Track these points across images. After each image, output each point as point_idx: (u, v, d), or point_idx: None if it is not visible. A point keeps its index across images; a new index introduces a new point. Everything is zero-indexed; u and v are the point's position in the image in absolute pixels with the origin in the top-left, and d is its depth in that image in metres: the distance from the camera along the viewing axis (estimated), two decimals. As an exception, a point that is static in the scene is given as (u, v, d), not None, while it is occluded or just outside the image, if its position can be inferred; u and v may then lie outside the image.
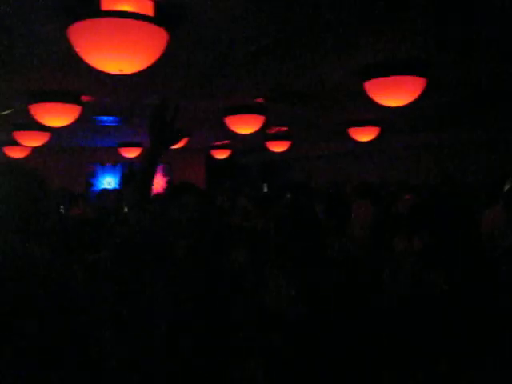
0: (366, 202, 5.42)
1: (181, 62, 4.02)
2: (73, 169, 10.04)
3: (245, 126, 6.25)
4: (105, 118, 7.22)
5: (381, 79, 4.28)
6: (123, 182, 10.35)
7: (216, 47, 3.64)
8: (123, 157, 9.57)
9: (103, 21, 2.67)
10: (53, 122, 4.93)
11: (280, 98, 5.73)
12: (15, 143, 7.49)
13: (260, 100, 5.90)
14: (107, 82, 4.42)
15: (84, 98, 5.08)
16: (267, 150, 9.44)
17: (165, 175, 11.08)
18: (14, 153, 7.94)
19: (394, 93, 4.47)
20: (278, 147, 9.14)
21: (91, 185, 10.84)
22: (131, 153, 9.32)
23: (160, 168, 11.11)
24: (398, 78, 4.27)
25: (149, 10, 2.86)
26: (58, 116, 4.89)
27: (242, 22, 3.17)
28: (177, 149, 8.71)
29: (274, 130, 8.61)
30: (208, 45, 3.56)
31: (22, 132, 6.36)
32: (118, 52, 2.78)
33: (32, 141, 6.54)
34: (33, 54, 3.56)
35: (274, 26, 3.21)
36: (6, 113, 5.54)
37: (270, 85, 5.11)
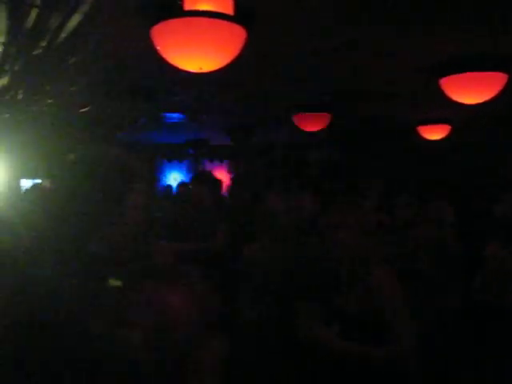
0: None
1: (253, 60, 4.07)
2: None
3: (312, 124, 6.25)
4: (172, 114, 7.42)
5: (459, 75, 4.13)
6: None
7: (285, 45, 3.66)
8: (190, 153, 9.83)
9: (186, 20, 2.75)
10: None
11: (346, 97, 5.68)
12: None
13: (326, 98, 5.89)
14: (179, 79, 4.55)
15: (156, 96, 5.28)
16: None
17: (229, 171, 11.24)
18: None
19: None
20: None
21: (158, 180, 11.19)
22: (199, 149, 9.60)
23: (224, 164, 11.31)
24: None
25: (229, 9, 2.91)
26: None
27: (314, 19, 3.17)
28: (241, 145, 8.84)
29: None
30: (278, 42, 3.59)
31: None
32: (200, 51, 2.85)
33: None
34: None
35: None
36: (85, 110, 5.81)
37: (337, 84, 5.08)
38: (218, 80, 4.54)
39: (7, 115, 5.91)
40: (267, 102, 5.92)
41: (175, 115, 7.49)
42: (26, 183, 10.23)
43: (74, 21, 3.02)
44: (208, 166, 10.87)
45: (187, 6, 2.75)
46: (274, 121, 7.41)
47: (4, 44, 3.37)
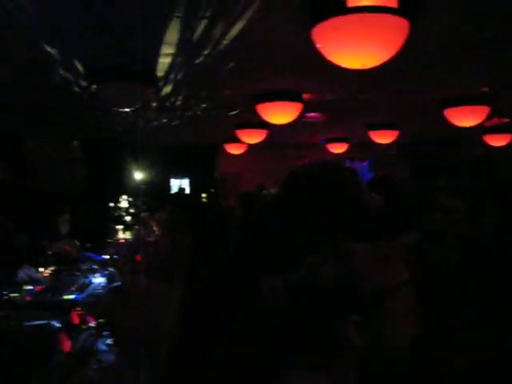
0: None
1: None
2: (281, 165, 10.58)
3: (467, 118, 5.78)
4: (313, 114, 7.41)
5: None
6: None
7: (446, 36, 3.41)
8: (330, 152, 9.77)
9: (350, 17, 2.69)
10: (277, 120, 5.27)
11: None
12: (234, 141, 8.27)
13: (484, 89, 5.40)
14: (329, 79, 4.51)
15: (304, 97, 5.30)
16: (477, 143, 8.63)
17: (369, 171, 10.94)
18: (233, 149, 8.76)
19: None
20: (497, 141, 8.26)
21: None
22: (338, 148, 9.48)
23: (364, 164, 11.04)
24: None
25: (392, 2, 2.79)
26: (281, 114, 5.23)
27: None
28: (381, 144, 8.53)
29: (494, 121, 7.81)
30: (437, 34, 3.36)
31: (243, 130, 6.96)
32: (363, 47, 2.77)
33: (251, 138, 7.10)
34: (273, 58, 3.79)
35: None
36: (234, 113, 6.08)
37: (499, 72, 4.62)
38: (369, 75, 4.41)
39: (165, 120, 6.41)
40: (417, 95, 5.61)
41: (313, 114, 7.49)
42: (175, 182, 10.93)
43: (236, 28, 3.13)
44: (348, 165, 10.67)
45: (350, 3, 2.69)
46: (422, 116, 7.01)
47: (172, 55, 3.64)
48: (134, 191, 6.53)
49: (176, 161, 9.75)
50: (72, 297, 1.84)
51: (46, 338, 1.48)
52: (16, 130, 5.44)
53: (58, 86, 4.37)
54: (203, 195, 8.13)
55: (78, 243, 2.58)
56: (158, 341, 1.48)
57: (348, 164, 10.55)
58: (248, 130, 6.93)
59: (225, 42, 3.33)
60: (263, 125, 6.76)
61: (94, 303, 1.76)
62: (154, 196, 6.13)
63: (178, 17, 2.84)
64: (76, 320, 1.61)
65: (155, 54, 3.56)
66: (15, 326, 1.48)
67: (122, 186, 6.73)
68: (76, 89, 4.53)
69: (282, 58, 3.74)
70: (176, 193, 7.78)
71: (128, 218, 5.26)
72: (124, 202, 5.79)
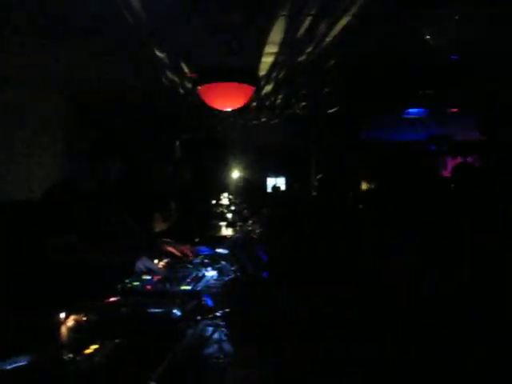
0: None
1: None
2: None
3: None
4: (413, 110, 7.11)
5: None
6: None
7: None
8: (432, 149, 9.33)
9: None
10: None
11: None
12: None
13: None
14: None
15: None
16: None
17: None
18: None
19: None
20: None
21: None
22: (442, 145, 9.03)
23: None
24: None
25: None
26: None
27: None
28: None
29: None
30: None
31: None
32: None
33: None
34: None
35: None
36: (332, 111, 6.04)
37: None
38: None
39: (264, 119, 6.51)
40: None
41: (415, 110, 7.17)
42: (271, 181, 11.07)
43: (340, 25, 3.09)
44: (450, 163, 10.16)
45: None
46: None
47: (275, 54, 3.68)
48: (233, 189, 6.72)
49: (272, 159, 9.86)
50: (189, 287, 1.93)
51: (169, 325, 1.56)
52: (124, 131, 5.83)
53: (164, 89, 4.61)
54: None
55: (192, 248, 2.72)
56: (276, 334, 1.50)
57: (450, 162, 10.04)
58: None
59: (328, 38, 3.30)
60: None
61: (210, 294, 1.83)
62: (252, 194, 6.25)
63: (283, 15, 2.87)
64: (195, 309, 1.68)
65: (259, 54, 3.62)
66: (141, 312, 1.58)
67: (222, 184, 6.95)
68: (181, 90, 4.74)
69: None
70: (274, 191, 7.88)
71: (229, 215, 5.41)
72: (225, 200, 5.97)
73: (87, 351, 1.22)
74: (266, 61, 3.81)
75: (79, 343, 1.26)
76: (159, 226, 3.61)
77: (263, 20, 2.92)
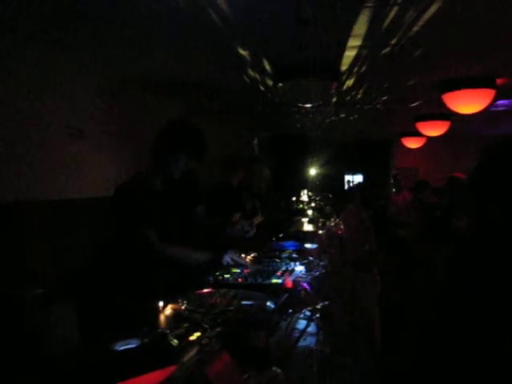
0: None
1: None
2: (458, 158, 9.82)
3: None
4: (502, 101, 6.67)
5: None
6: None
7: None
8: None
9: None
10: (466, 109, 4.86)
11: None
12: (412, 134, 7.93)
13: None
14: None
15: (498, 81, 4.81)
16: None
17: None
18: (410, 143, 8.40)
19: None
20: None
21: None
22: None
23: None
24: None
25: None
26: (471, 102, 4.80)
27: None
28: None
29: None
30: None
31: (424, 122, 6.62)
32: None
33: (432, 130, 6.71)
34: (463, 42, 3.52)
35: None
36: (415, 104, 5.82)
37: None
38: None
39: (343, 115, 6.41)
40: None
41: (505, 102, 6.73)
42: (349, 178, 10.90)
43: (428, 13, 2.96)
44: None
45: None
46: None
47: (357, 47, 3.61)
48: (312, 186, 6.69)
49: (350, 156, 9.70)
50: (280, 281, 1.94)
51: (262, 317, 1.57)
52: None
53: (244, 86, 4.66)
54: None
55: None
56: (370, 326, 1.48)
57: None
58: (430, 122, 6.56)
59: (415, 28, 3.18)
60: (445, 116, 6.33)
61: (302, 289, 1.83)
62: (333, 191, 6.19)
63: (368, 7, 2.80)
64: (288, 302, 1.69)
65: (342, 49, 3.56)
66: (236, 304, 1.61)
67: (302, 180, 6.94)
68: (261, 88, 4.78)
69: (478, 39, 3.43)
70: (357, 189, 7.76)
71: (310, 212, 5.40)
72: (305, 196, 5.96)
73: (191, 338, 1.26)
74: (349, 55, 3.74)
75: (183, 330, 1.30)
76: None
77: (348, 13, 2.87)
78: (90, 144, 3.89)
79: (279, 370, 1.06)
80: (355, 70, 4.18)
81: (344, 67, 4.06)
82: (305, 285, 1.75)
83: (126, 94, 4.47)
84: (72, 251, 3.01)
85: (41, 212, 3.03)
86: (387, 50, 3.61)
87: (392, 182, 8.50)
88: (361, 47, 3.53)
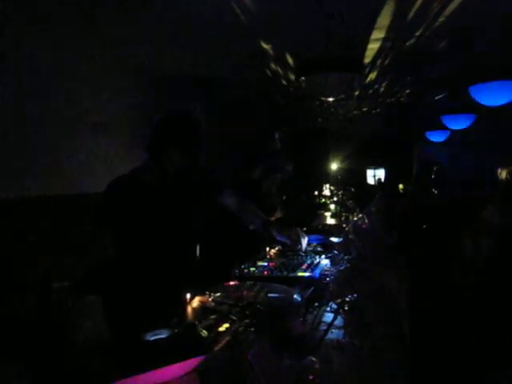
0: None
1: None
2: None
3: None
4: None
5: None
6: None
7: None
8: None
9: None
10: (493, 101, 4.77)
11: None
12: (436, 128, 7.80)
13: None
14: None
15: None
16: None
17: None
18: (435, 137, 8.27)
19: None
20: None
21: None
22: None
23: None
24: None
25: None
26: (499, 94, 4.71)
27: None
28: None
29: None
30: None
31: (448, 116, 6.49)
32: None
33: (458, 123, 6.59)
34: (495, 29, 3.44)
35: None
36: (440, 97, 5.73)
37: None
38: None
39: (365, 109, 6.35)
40: None
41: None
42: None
43: (454, 3, 2.90)
44: None
45: None
46: None
47: (381, 40, 3.56)
48: (333, 180, 6.66)
49: (372, 150, 9.62)
50: (307, 274, 1.94)
51: (289, 310, 1.58)
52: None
53: (266, 81, 4.66)
54: (400, 186, 7.89)
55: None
56: (398, 320, 1.47)
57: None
58: (455, 115, 6.44)
59: (441, 19, 3.12)
60: (470, 109, 6.21)
61: (328, 282, 1.83)
62: (355, 186, 6.16)
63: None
64: (314, 296, 1.69)
65: (365, 41, 3.52)
66: (263, 297, 1.61)
67: (323, 175, 6.92)
68: (283, 82, 4.76)
69: (507, 28, 3.36)
70: (381, 183, 7.70)
71: (332, 206, 5.38)
72: (327, 191, 5.95)
73: (220, 329, 1.27)
74: (372, 47, 3.70)
75: (212, 322, 1.31)
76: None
77: (371, 4, 2.84)
78: (116, 139, 3.94)
79: (314, 359, 1.06)
80: (378, 62, 4.14)
81: (367, 60, 4.02)
82: (332, 278, 1.75)
83: (150, 90, 4.51)
84: (99, 244, 3.05)
85: (68, 205, 3.08)
86: (412, 41, 3.56)
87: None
88: (385, 39, 3.49)
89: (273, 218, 3.67)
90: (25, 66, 3.03)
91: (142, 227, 2.11)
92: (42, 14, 2.83)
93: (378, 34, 3.40)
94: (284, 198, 4.79)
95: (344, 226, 3.28)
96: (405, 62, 4.14)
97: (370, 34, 3.35)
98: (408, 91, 5.40)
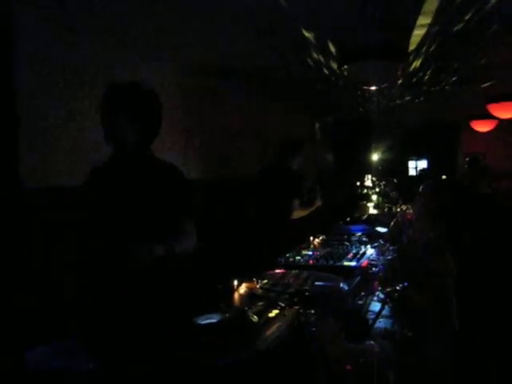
0: None
1: None
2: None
3: None
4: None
5: None
6: None
7: None
8: None
9: None
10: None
11: None
12: (482, 117, 7.55)
13: None
14: None
15: None
16: None
17: None
18: (480, 126, 8.00)
19: None
20: None
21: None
22: None
23: None
24: None
25: None
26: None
27: None
28: None
29: None
30: None
31: (497, 104, 6.26)
32: None
33: (506, 112, 6.35)
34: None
35: None
36: (487, 85, 5.52)
37: None
38: None
39: (408, 98, 6.20)
40: None
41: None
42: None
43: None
44: None
45: None
46: None
47: (427, 25, 3.45)
48: (375, 171, 6.56)
49: (414, 141, 9.39)
50: (353, 263, 1.92)
51: (337, 299, 1.57)
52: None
53: (307, 70, 4.60)
54: (443, 177, 7.69)
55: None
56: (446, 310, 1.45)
57: None
58: (503, 103, 6.20)
59: (492, 1, 3.00)
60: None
61: (374, 271, 1.81)
62: (397, 176, 6.05)
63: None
64: (361, 285, 1.67)
65: (410, 27, 3.43)
66: (310, 285, 1.61)
67: (365, 165, 6.83)
68: (325, 71, 4.70)
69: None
70: (426, 174, 7.55)
71: (374, 197, 5.30)
72: (368, 181, 5.87)
73: (270, 315, 1.28)
74: (417, 33, 3.60)
75: (261, 308, 1.32)
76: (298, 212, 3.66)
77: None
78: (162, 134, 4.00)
79: (373, 343, 1.05)
80: (423, 49, 4.02)
81: (412, 47, 3.91)
82: (380, 268, 1.73)
83: (195, 84, 4.57)
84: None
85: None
86: (460, 26, 3.44)
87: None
88: (431, 25, 3.38)
89: (313, 208, 3.65)
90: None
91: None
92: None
93: (424, 20, 3.30)
94: (325, 188, 4.76)
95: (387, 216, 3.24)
96: (452, 47, 4.00)
97: (415, 19, 3.26)
98: (454, 78, 5.23)
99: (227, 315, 1.25)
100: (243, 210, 3.94)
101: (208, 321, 1.24)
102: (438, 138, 9.31)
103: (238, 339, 1.12)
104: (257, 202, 3.62)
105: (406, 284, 1.57)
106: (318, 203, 3.92)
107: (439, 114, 8.11)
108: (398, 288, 1.56)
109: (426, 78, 5.12)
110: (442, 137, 9.38)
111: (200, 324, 1.23)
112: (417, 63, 4.47)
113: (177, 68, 4.29)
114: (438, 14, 3.16)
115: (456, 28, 3.46)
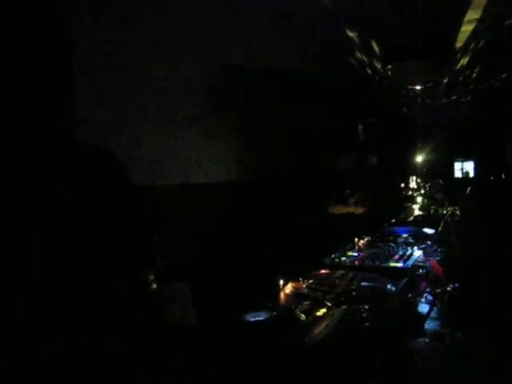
0: None
1: None
2: None
3: None
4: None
5: None
6: None
7: None
8: None
9: None
10: None
11: None
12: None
13: None
14: None
15: None
16: None
17: None
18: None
19: None
20: None
21: None
22: None
23: None
24: None
25: None
26: None
27: None
28: None
29: None
30: None
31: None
32: None
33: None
34: None
35: None
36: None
37: None
38: None
39: (454, 97, 6.03)
40: None
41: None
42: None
43: None
44: None
45: None
46: None
47: (476, 21, 3.34)
48: (419, 172, 6.42)
49: (460, 142, 9.12)
50: (400, 264, 1.89)
51: (384, 300, 1.54)
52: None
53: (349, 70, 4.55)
54: (491, 178, 7.44)
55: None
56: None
57: None
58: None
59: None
60: None
61: (422, 273, 1.77)
62: (442, 178, 5.90)
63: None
64: (408, 287, 1.64)
65: (457, 23, 3.34)
66: (357, 285, 1.59)
67: (410, 167, 6.70)
68: (368, 71, 4.63)
69: None
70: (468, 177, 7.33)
71: (419, 199, 5.19)
72: (413, 183, 5.75)
73: (318, 314, 1.27)
74: (466, 29, 3.50)
75: (308, 307, 1.32)
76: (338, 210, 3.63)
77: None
78: (204, 132, 4.04)
79: (427, 340, 1.03)
80: (472, 46, 3.90)
81: (459, 44, 3.80)
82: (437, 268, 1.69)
83: (234, 85, 4.59)
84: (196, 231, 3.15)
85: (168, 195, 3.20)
86: (510, 21, 3.32)
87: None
88: (480, 20, 3.28)
89: (360, 210, 3.61)
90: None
91: None
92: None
93: (473, 15, 3.20)
94: (368, 189, 4.69)
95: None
96: (502, 43, 3.87)
97: (464, 15, 3.17)
98: (504, 75, 5.05)
99: (274, 313, 1.26)
100: (284, 211, 3.93)
101: (256, 318, 1.24)
102: (486, 139, 9.01)
103: (287, 336, 1.12)
104: (298, 204, 3.62)
105: (456, 285, 1.53)
106: (361, 205, 3.88)
107: (487, 113, 7.84)
108: (450, 288, 1.52)
109: (474, 75, 4.96)
110: (491, 138, 9.07)
111: (248, 321, 1.24)
112: (464, 61, 4.34)
113: (214, 69, 4.32)
114: (489, 8, 3.06)
115: (508, 22, 3.34)
